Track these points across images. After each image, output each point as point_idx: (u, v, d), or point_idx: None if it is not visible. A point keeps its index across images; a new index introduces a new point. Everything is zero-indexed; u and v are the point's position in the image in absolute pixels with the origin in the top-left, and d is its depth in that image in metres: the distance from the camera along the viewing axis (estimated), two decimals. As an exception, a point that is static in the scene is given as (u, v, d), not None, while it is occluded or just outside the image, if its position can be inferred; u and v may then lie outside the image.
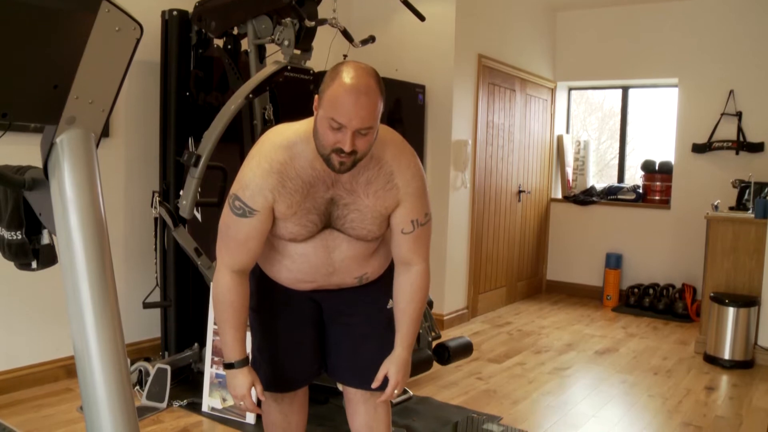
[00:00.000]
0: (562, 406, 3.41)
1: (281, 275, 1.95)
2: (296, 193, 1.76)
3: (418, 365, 3.23)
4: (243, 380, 1.86)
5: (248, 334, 1.98)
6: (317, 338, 2.07)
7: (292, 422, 2.17)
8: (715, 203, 4.66)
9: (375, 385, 1.97)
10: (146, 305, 3.41)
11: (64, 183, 1.60)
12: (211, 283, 1.89)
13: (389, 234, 1.93)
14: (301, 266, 1.90)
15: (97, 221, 1.63)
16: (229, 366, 1.87)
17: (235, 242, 1.80)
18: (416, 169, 1.85)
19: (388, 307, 2.06)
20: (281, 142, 1.78)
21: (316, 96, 1.71)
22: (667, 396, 3.61)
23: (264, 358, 2.07)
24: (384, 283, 2.05)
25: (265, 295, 2.02)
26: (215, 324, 3.10)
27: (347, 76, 1.64)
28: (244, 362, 1.87)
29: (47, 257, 1.98)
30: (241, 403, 1.88)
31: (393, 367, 1.94)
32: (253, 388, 1.89)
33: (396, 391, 1.95)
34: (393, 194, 1.82)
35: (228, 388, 1.89)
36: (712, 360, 4.24)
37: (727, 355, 4.18)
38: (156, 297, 3.61)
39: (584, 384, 3.79)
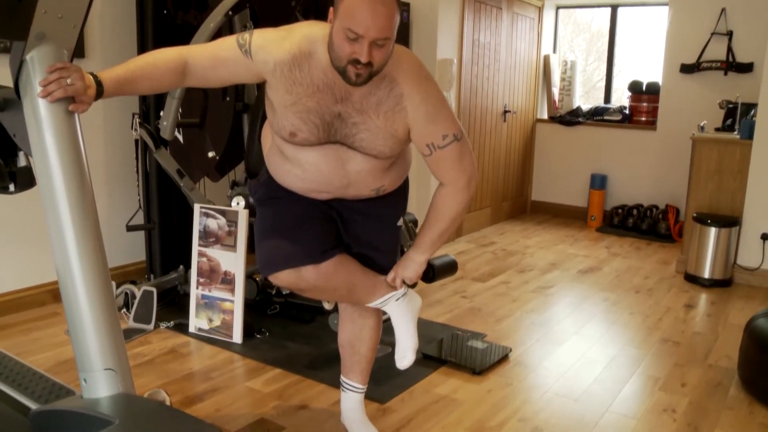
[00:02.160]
0: (545, 324, 3.48)
1: (295, 185, 1.90)
2: (299, 85, 1.72)
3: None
4: (85, 74, 1.59)
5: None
6: (331, 224, 1.99)
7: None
8: (702, 124, 4.64)
9: (389, 279, 2.02)
10: (130, 228, 3.39)
11: (36, 102, 1.55)
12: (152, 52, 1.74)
13: (407, 146, 1.90)
14: (312, 176, 1.85)
15: (73, 141, 1.59)
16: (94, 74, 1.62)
17: (209, 54, 1.75)
18: (427, 93, 1.77)
19: (398, 224, 2.07)
20: (309, 34, 1.73)
21: (331, 8, 1.65)
22: (647, 313, 3.69)
23: (282, 235, 1.92)
24: (398, 199, 2.04)
25: (274, 191, 1.96)
26: (199, 246, 3.09)
27: None
28: (100, 82, 1.60)
29: (25, 180, 1.94)
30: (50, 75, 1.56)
31: (400, 262, 2.01)
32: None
33: (398, 283, 2.02)
34: (401, 117, 1.76)
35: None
36: (693, 279, 4.31)
37: (707, 274, 4.26)
38: (139, 220, 3.59)
39: (567, 302, 3.86)
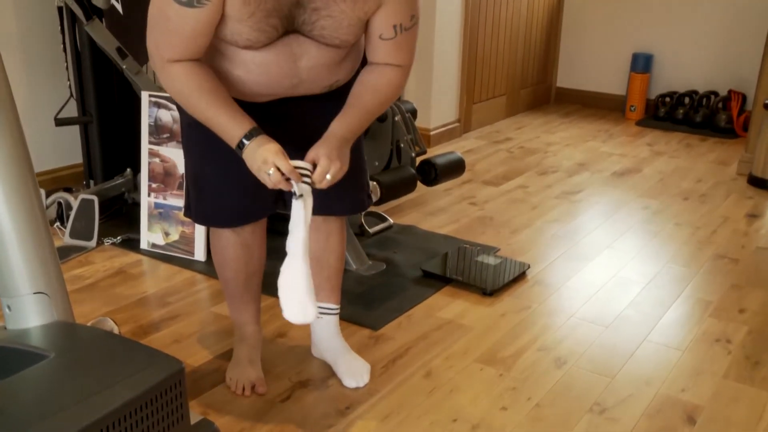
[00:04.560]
0: (571, 236, 3.50)
1: (232, 89, 1.89)
2: None
3: (399, 186, 3.24)
4: (267, 148, 1.74)
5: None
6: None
7: (254, 255, 2.21)
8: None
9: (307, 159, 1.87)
10: (60, 122, 3.33)
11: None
12: (165, 85, 1.81)
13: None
14: (258, 78, 1.85)
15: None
16: (241, 145, 1.77)
17: (180, 38, 1.72)
18: None
19: None
20: None
21: None
22: (698, 225, 3.71)
23: (210, 186, 2.06)
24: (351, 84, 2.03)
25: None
26: (150, 144, 3.06)
27: None
28: (257, 130, 1.78)
29: None
30: (270, 172, 1.73)
31: (322, 148, 1.83)
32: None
33: (328, 177, 1.82)
34: None
35: (252, 168, 1.78)
36: (759, 183, 4.30)
37: (778, 177, 4.25)
38: (72, 112, 3.53)
39: (598, 210, 3.87)
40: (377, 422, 2.09)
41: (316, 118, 1.98)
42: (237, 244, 2.16)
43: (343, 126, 1.88)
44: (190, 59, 1.77)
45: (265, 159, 1.74)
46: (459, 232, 3.50)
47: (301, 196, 1.81)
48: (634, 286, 2.99)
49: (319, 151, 1.82)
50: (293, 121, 2.03)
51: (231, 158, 1.90)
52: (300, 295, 1.84)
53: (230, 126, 1.78)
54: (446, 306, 2.78)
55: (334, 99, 1.98)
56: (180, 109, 2.03)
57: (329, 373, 2.32)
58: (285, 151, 1.77)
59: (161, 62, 1.77)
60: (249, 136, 1.76)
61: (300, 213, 1.83)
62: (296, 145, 2.01)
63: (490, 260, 3.11)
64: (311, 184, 1.81)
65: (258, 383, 2.22)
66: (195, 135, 2.02)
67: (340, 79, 1.96)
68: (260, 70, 1.83)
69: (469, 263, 3.08)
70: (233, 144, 1.79)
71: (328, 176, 1.81)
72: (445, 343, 2.53)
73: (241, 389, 2.20)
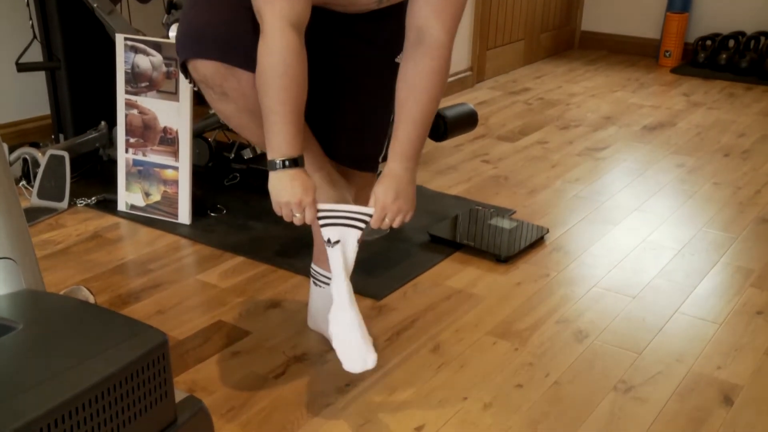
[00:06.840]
0: (595, 197, 3.51)
1: None
2: None
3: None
4: (295, 188, 1.77)
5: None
6: None
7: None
8: None
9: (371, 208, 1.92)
10: (22, 67, 3.32)
11: None
12: (261, 49, 1.75)
13: None
14: None
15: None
16: (274, 165, 1.77)
17: None
18: None
19: (396, 60, 2.04)
20: None
21: None
22: (740, 184, 3.70)
23: (224, 7, 1.92)
24: (402, 22, 2.03)
25: None
26: (127, 93, 3.05)
27: None
28: (299, 161, 1.77)
29: None
30: (297, 215, 1.80)
31: (380, 187, 1.86)
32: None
33: (387, 222, 1.90)
34: None
35: (272, 197, 1.80)
36: (804, 136, 4.30)
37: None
38: (37, 56, 3.52)
39: (626, 168, 3.88)
40: (380, 401, 2.11)
41: (357, 38, 1.99)
42: (219, 100, 2.01)
43: (399, 158, 1.87)
44: (299, 21, 1.73)
45: (289, 201, 1.76)
46: (470, 193, 3.51)
47: (337, 242, 1.85)
48: (665, 253, 3.00)
49: (377, 190, 1.86)
50: (333, 38, 2.02)
51: None
52: (358, 346, 1.91)
53: (280, 134, 1.75)
54: (456, 274, 2.80)
55: (379, 22, 1.98)
56: None
57: (327, 347, 2.33)
58: (315, 191, 1.79)
59: (270, 14, 1.72)
60: (288, 163, 1.75)
61: (338, 260, 1.89)
62: (329, 70, 2.01)
63: (505, 224, 3.12)
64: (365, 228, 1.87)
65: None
66: None
67: None
68: None
69: (481, 227, 3.09)
70: (269, 153, 1.77)
71: (387, 221, 1.87)
72: (454, 314, 2.54)
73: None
